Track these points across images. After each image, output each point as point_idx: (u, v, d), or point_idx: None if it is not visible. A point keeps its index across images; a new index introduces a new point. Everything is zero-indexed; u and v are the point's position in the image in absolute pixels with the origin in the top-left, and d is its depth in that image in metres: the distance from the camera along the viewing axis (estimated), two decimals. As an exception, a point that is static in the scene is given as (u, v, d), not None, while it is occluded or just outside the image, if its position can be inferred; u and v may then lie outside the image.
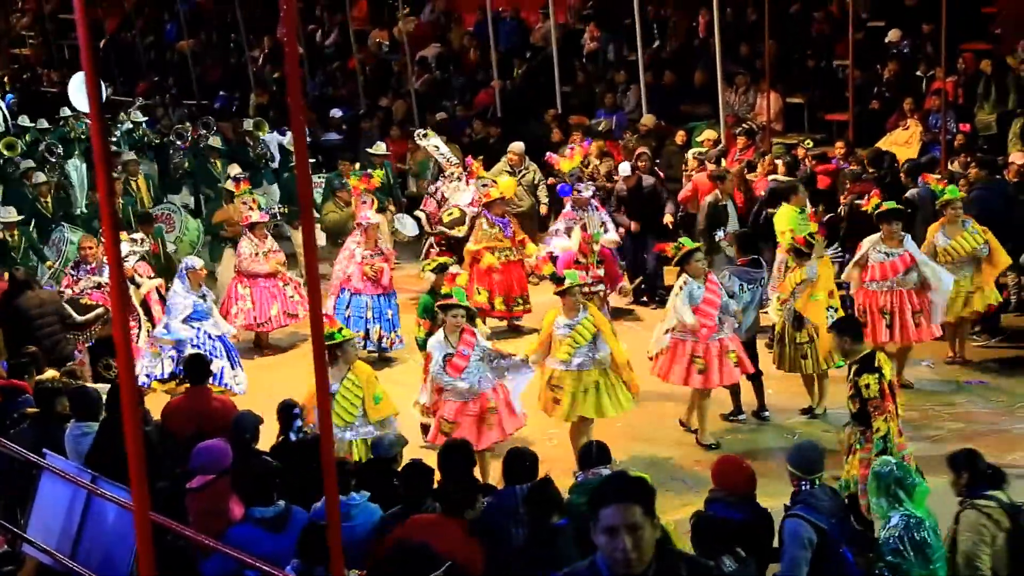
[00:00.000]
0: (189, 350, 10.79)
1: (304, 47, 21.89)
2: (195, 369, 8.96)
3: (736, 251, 11.36)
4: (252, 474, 6.90)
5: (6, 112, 21.58)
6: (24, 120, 20.29)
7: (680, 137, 16.05)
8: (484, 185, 13.86)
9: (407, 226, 15.39)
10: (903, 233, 11.11)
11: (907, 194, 12.82)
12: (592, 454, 7.23)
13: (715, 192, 13.31)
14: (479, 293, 13.04)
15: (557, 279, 10.21)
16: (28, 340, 10.51)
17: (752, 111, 17.05)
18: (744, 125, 15.77)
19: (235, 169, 15.84)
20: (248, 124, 18.31)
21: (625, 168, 14.21)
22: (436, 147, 14.85)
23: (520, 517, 6.72)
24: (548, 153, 15.12)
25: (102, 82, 19.67)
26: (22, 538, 7.28)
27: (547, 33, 19.37)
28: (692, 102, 17.75)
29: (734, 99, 17.22)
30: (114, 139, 18.50)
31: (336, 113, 19.77)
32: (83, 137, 18.88)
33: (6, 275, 11.94)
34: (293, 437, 8.16)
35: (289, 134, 19.35)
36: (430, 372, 9.61)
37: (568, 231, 12.98)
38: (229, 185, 14.71)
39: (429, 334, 10.18)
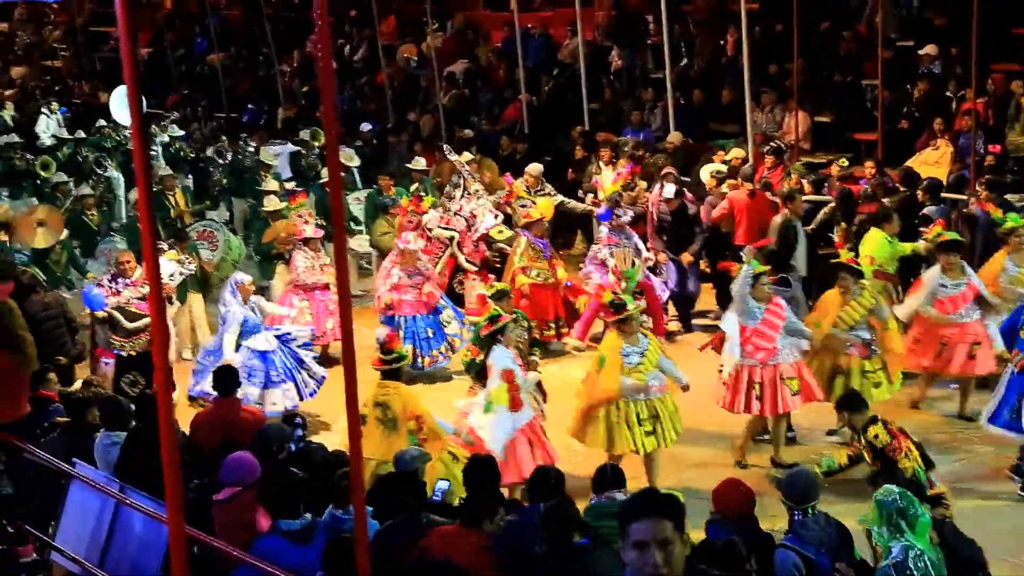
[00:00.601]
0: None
1: (333, 62, 22.01)
2: (223, 380, 8.99)
3: (768, 269, 11.18)
4: (279, 486, 6.92)
5: (60, 121, 21.60)
6: (63, 132, 20.38)
7: (719, 157, 15.94)
8: (523, 206, 13.73)
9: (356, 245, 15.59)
10: (962, 262, 10.94)
11: (924, 211, 12.79)
12: (607, 477, 7.18)
13: (785, 212, 12.90)
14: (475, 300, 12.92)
15: (617, 306, 9.84)
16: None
17: (780, 129, 17.03)
18: (772, 144, 15.73)
19: (272, 185, 15.74)
20: (305, 134, 18.39)
21: (670, 191, 13.86)
22: (461, 162, 14.76)
23: (541, 535, 6.71)
24: (594, 178, 15.12)
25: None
26: (51, 546, 7.33)
27: (575, 50, 19.40)
28: (719, 120, 17.75)
29: (762, 117, 17.20)
30: (152, 153, 18.60)
31: (365, 127, 19.82)
32: (120, 147, 18.99)
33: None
34: (293, 447, 8.24)
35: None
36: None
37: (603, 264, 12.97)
38: (271, 203, 14.59)
39: (474, 361, 9.86)
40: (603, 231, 13.37)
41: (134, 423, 8.10)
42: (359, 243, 15.71)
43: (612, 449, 9.57)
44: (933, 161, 14.90)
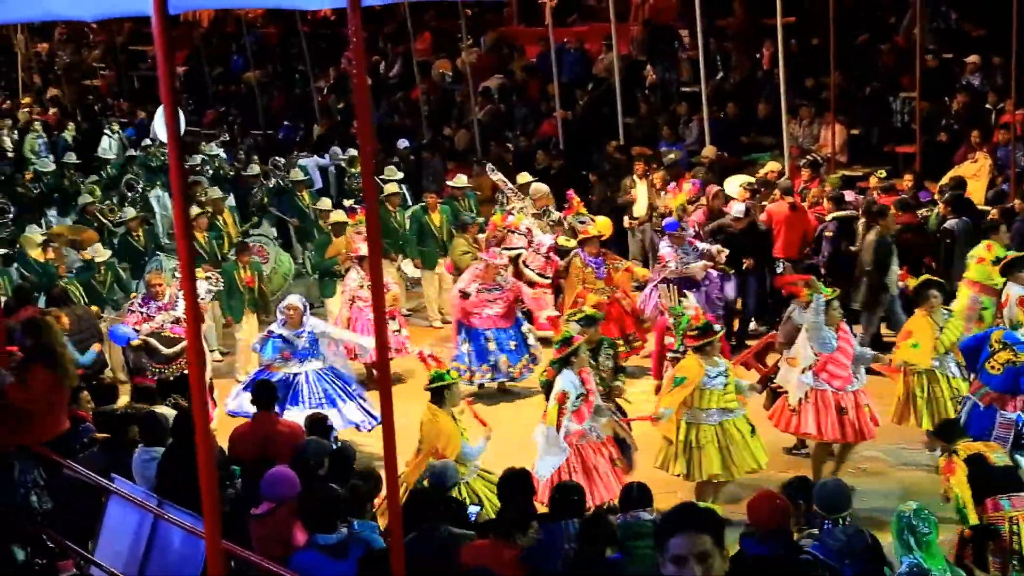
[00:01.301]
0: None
1: (368, 78, 22.13)
2: (262, 395, 9.02)
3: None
4: (316, 501, 6.93)
5: (124, 141, 21.85)
6: (105, 152, 20.62)
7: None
8: (582, 222, 13.54)
9: (411, 268, 15.46)
10: None
11: (945, 224, 12.70)
12: (633, 496, 7.16)
13: (878, 229, 12.62)
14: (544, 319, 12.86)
15: (704, 329, 9.72)
16: None
17: (816, 143, 16.95)
18: (808, 157, 15.66)
19: (326, 203, 15.75)
20: (341, 156, 18.63)
21: (740, 208, 13.77)
22: (504, 180, 14.62)
23: (568, 552, 6.68)
24: (630, 192, 15.20)
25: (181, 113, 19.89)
26: (90, 561, 7.37)
27: (609, 64, 19.40)
28: (755, 134, 17.70)
29: (798, 131, 17.13)
30: (196, 171, 18.72)
31: (403, 144, 19.77)
32: (166, 166, 19.13)
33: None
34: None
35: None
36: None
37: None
38: (335, 216, 14.56)
39: (550, 382, 9.59)
40: (664, 245, 13.12)
41: (171, 438, 8.13)
42: (408, 265, 15.61)
43: (700, 475, 9.44)
44: (971, 174, 14.77)
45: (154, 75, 26.72)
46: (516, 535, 6.61)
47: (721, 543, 3.84)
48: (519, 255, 14.18)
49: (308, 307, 11.64)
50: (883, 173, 14.63)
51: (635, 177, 16.10)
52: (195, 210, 14.89)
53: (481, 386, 12.79)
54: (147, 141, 20.11)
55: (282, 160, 18.93)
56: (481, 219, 15.13)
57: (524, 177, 15.37)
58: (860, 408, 9.82)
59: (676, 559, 3.80)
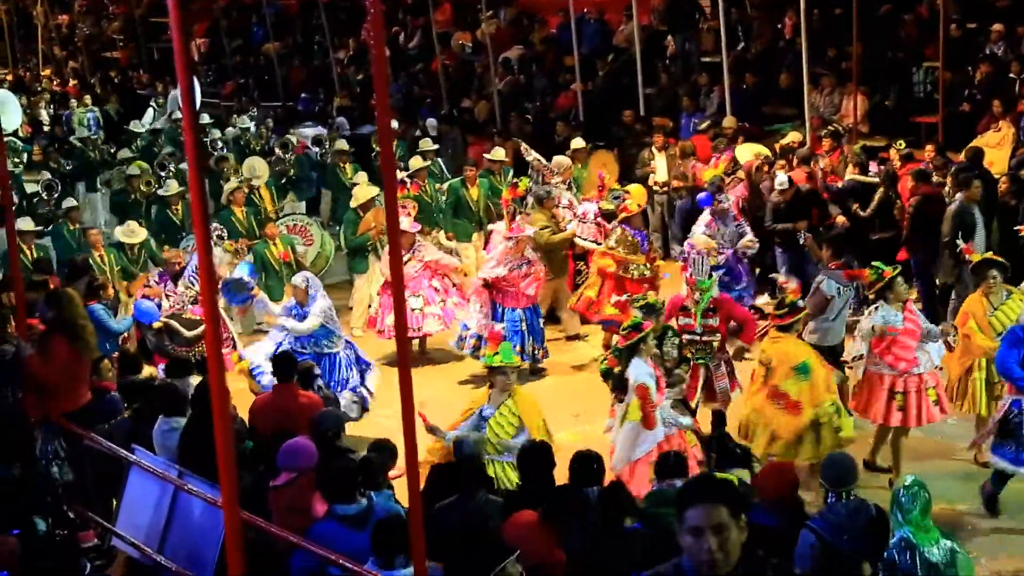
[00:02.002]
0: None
1: (387, 49, 22.06)
2: (282, 366, 9.04)
3: (828, 255, 11.04)
4: (335, 471, 6.95)
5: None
6: (136, 125, 20.36)
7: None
8: (616, 198, 13.10)
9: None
10: None
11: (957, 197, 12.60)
12: (669, 464, 7.18)
13: (960, 198, 12.27)
14: (608, 307, 12.21)
15: (792, 306, 9.46)
16: None
17: (837, 113, 16.83)
18: (830, 127, 15.56)
19: (362, 177, 15.50)
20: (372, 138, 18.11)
21: (783, 179, 13.52)
22: (539, 159, 14.07)
23: (589, 520, 6.70)
24: (692, 163, 14.84)
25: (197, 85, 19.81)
26: (111, 532, 7.43)
27: (630, 35, 19.29)
28: (776, 104, 17.58)
29: (819, 101, 17.01)
30: (221, 144, 18.62)
31: (432, 122, 19.41)
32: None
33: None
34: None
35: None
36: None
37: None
38: (363, 192, 14.14)
39: (611, 370, 9.26)
40: (702, 219, 12.89)
41: (192, 409, 8.17)
42: (442, 238, 15.11)
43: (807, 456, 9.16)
44: (995, 143, 14.63)
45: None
46: (564, 519, 6.59)
47: (738, 515, 3.85)
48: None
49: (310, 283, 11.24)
50: (902, 144, 14.52)
51: (654, 149, 16.00)
52: (232, 184, 14.70)
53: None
54: (178, 115, 19.90)
55: (293, 136, 18.84)
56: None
57: (578, 143, 14.98)
58: (922, 393, 9.44)
59: (693, 530, 3.81)
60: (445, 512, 6.84)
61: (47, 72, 30.05)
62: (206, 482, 6.93)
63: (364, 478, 7.01)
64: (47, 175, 17.07)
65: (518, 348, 11.63)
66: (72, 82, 28.55)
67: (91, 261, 12.92)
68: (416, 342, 12.75)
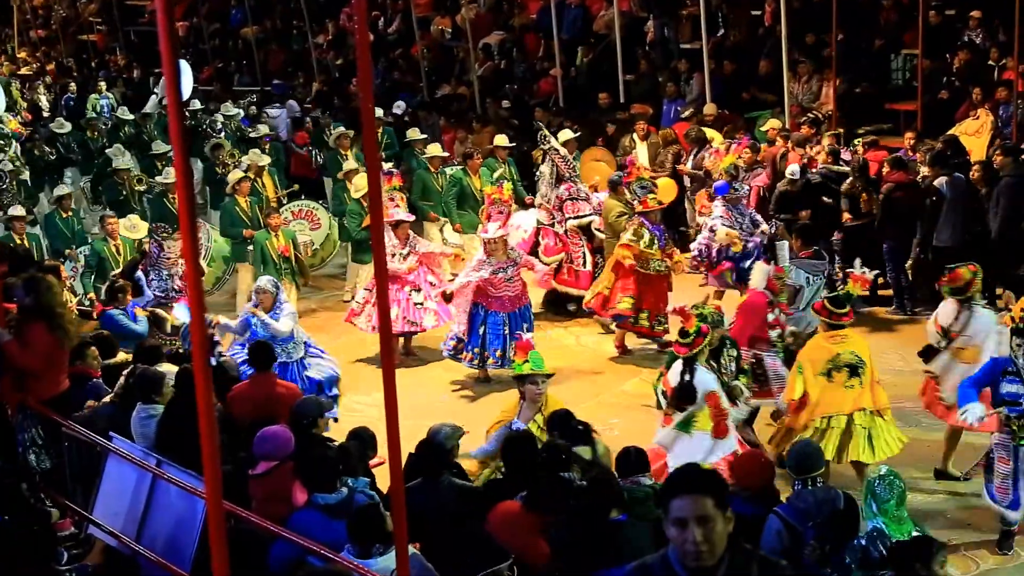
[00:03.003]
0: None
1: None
2: (259, 356, 8.99)
3: (799, 243, 11.04)
4: (316, 460, 6.92)
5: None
6: (124, 113, 19.84)
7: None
8: (643, 187, 12.55)
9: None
10: None
11: (935, 183, 12.65)
12: (631, 460, 7.05)
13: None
14: (621, 300, 12.02)
15: (847, 298, 9.09)
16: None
17: (816, 100, 16.85)
18: (809, 115, 15.59)
19: (351, 164, 14.91)
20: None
21: (795, 170, 13.34)
22: (556, 150, 13.54)
23: (573, 511, 6.68)
24: (632, 153, 14.58)
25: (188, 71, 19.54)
26: (88, 520, 7.38)
27: (610, 21, 19.27)
28: (756, 91, 17.59)
29: (798, 88, 17.02)
30: (221, 126, 18.50)
31: (400, 105, 19.44)
32: (186, 127, 18.76)
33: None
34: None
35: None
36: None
37: (711, 230, 12.58)
38: (362, 182, 13.63)
39: (664, 392, 8.79)
40: (716, 206, 12.77)
41: (173, 395, 8.10)
42: (450, 232, 14.83)
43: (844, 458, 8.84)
44: (973, 131, 14.68)
45: (151, 30, 26.55)
46: (547, 511, 6.57)
47: (724, 506, 3.84)
48: (591, 221, 13.24)
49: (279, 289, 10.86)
50: (862, 131, 14.55)
51: (635, 137, 15.88)
52: (238, 174, 14.28)
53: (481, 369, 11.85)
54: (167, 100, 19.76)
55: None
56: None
57: (566, 134, 14.51)
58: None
59: (677, 521, 3.80)
60: (411, 496, 6.79)
61: (23, 54, 29.79)
62: (184, 470, 6.89)
63: (342, 466, 6.99)
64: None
65: (498, 353, 11.49)
66: (49, 66, 28.30)
67: (105, 250, 12.72)
68: (400, 340, 12.45)
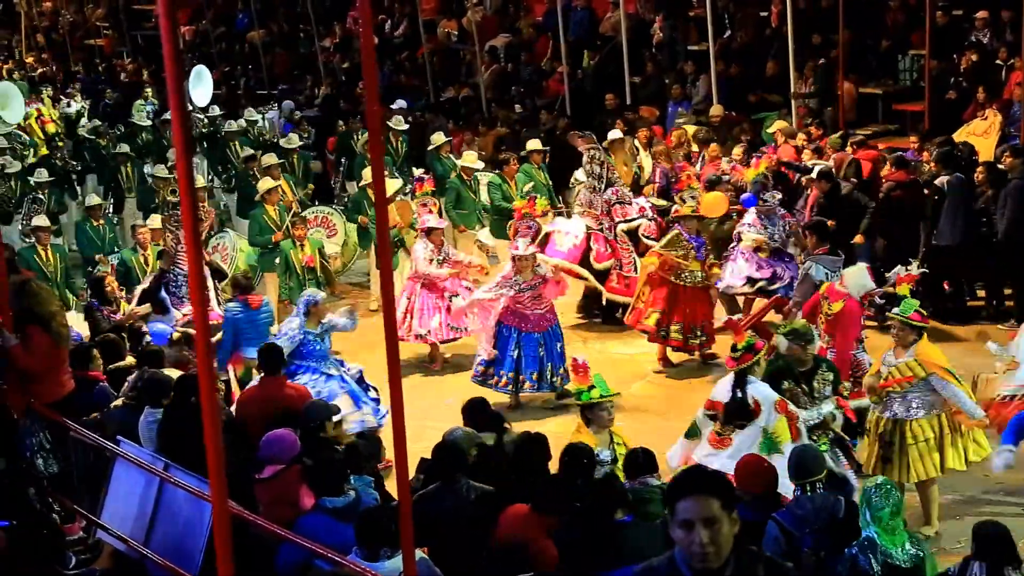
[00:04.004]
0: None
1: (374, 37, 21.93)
2: (269, 359, 8.99)
3: (813, 241, 10.94)
4: (323, 464, 6.92)
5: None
6: (142, 119, 19.36)
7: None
8: (693, 197, 12.21)
9: (490, 236, 14.38)
10: None
11: (936, 181, 12.63)
12: (639, 461, 7.02)
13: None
14: (648, 316, 11.66)
15: (893, 299, 8.83)
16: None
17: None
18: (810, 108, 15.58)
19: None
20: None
21: (819, 169, 13.01)
22: (595, 148, 13.14)
23: (580, 512, 6.68)
24: (731, 162, 14.06)
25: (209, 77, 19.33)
26: (96, 524, 7.38)
27: (616, 23, 19.25)
28: (762, 92, 17.58)
29: (806, 89, 16.99)
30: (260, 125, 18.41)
31: (400, 104, 19.35)
32: (204, 133, 18.56)
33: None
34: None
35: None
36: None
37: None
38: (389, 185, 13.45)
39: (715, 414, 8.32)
40: (749, 214, 12.30)
41: (172, 398, 8.10)
42: (488, 235, 14.41)
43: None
44: (981, 131, 14.64)
45: (158, 34, 26.57)
46: (557, 512, 6.56)
47: (730, 507, 3.83)
48: (639, 226, 12.80)
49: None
50: (836, 139, 14.40)
51: (638, 144, 15.09)
52: (268, 183, 13.95)
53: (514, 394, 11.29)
54: (188, 107, 19.29)
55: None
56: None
57: (614, 134, 14.31)
58: None
59: (684, 523, 3.79)
60: (430, 500, 6.80)
61: (30, 59, 29.84)
62: (192, 474, 6.89)
63: (350, 466, 7.00)
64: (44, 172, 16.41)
65: (534, 376, 11.04)
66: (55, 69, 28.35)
67: (133, 260, 12.63)
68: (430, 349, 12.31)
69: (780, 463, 7.36)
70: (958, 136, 14.48)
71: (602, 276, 12.72)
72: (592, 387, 7.92)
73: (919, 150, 13.98)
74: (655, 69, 19.01)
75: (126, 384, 8.67)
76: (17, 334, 8.08)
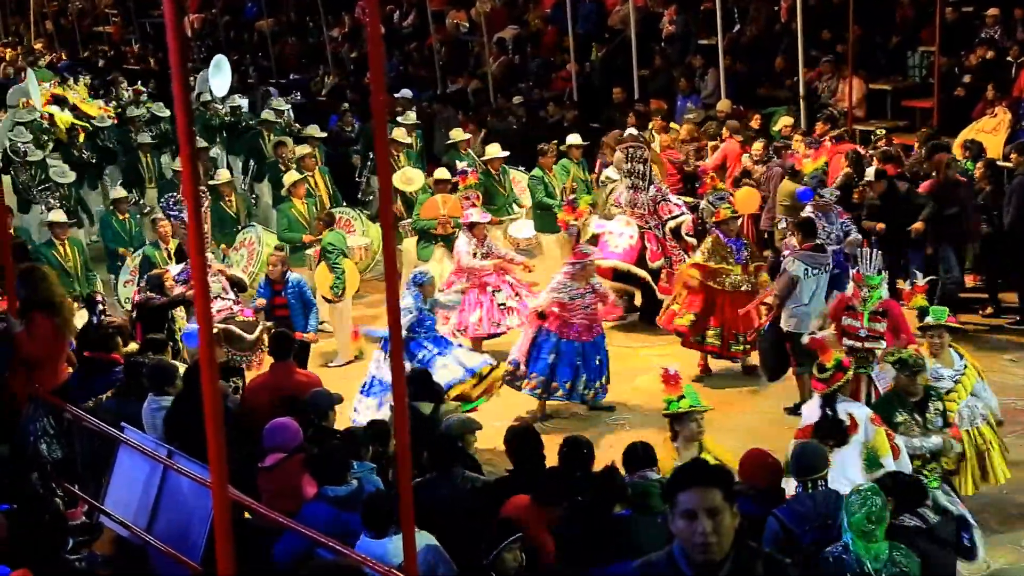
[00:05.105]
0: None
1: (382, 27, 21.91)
2: (279, 345, 8.98)
3: (799, 237, 10.75)
4: (326, 453, 6.92)
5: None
6: (160, 109, 19.12)
7: (756, 121, 15.77)
8: (720, 198, 11.78)
9: (522, 229, 14.09)
10: None
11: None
12: (638, 455, 6.97)
13: None
14: (682, 316, 11.32)
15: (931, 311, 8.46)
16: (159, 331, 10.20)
17: (833, 97, 16.79)
18: (825, 111, 15.50)
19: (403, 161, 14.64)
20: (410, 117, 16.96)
21: (871, 172, 12.50)
22: (632, 153, 12.69)
23: (579, 505, 6.67)
24: (791, 153, 13.69)
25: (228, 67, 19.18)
26: (99, 510, 7.39)
27: (625, 16, 19.22)
28: (771, 87, 17.54)
29: (819, 87, 16.92)
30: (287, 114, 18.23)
31: (407, 93, 19.33)
32: (226, 123, 18.46)
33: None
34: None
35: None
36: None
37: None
38: (410, 174, 13.46)
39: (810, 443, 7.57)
40: (806, 213, 11.70)
41: (182, 386, 8.10)
42: (519, 228, 14.14)
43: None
44: (990, 129, 14.58)
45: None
46: (557, 503, 6.57)
47: (732, 499, 3.83)
48: (683, 223, 12.49)
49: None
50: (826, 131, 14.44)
51: (653, 132, 15.26)
52: (294, 176, 13.88)
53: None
54: (207, 97, 19.04)
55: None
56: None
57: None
58: None
59: (686, 513, 3.78)
60: (424, 489, 6.80)
61: (39, 46, 29.86)
62: (196, 461, 6.89)
63: (349, 452, 7.02)
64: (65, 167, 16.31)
65: (567, 385, 10.63)
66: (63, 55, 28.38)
67: (156, 256, 12.18)
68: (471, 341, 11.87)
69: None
70: (967, 133, 14.45)
71: (654, 276, 12.44)
72: (682, 397, 7.66)
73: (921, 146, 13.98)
74: (664, 62, 18.97)
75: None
76: (22, 320, 8.10)
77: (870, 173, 12.66)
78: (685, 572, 3.81)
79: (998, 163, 13.08)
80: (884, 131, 14.64)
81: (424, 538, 6.00)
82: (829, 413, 7.61)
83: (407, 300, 10.22)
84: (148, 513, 7.11)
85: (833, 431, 7.56)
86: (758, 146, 14.39)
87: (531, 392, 10.75)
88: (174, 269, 11.06)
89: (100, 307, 10.23)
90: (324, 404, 7.93)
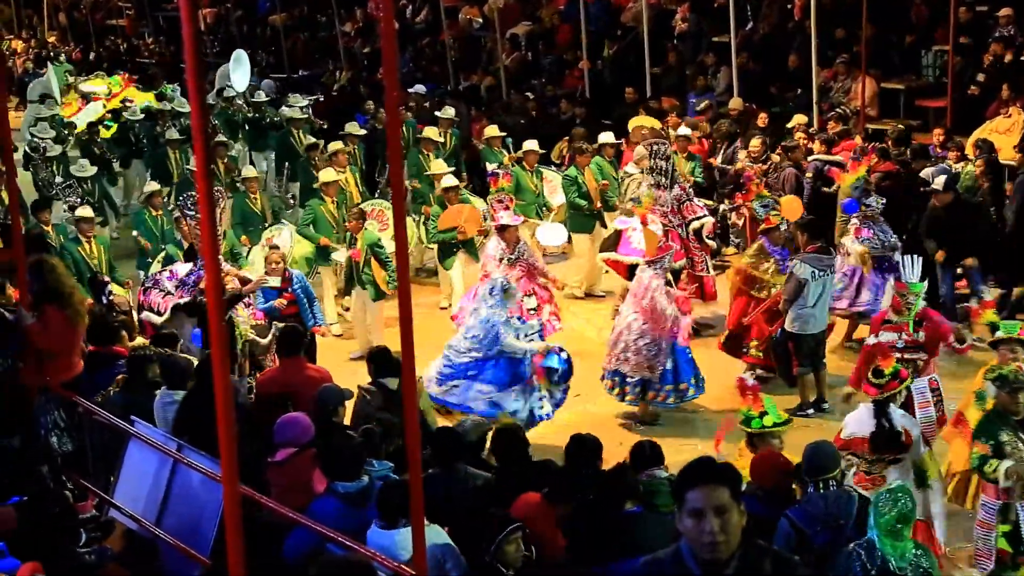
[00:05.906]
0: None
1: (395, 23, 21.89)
2: (288, 341, 8.98)
3: (805, 238, 10.76)
4: (339, 449, 6.92)
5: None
6: (182, 104, 19.02)
7: (763, 119, 15.69)
8: (764, 206, 11.63)
9: (552, 236, 13.88)
10: None
11: (922, 173, 12.61)
12: (646, 454, 6.95)
13: None
14: (752, 347, 11.12)
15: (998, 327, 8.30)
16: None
17: (847, 96, 16.75)
18: (836, 110, 15.47)
19: (439, 165, 14.27)
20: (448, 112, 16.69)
21: (940, 182, 12.03)
22: (669, 145, 12.65)
23: (589, 502, 6.68)
24: (830, 168, 13.37)
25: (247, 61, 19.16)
26: (108, 503, 7.41)
27: (638, 13, 19.19)
28: (783, 86, 17.50)
29: (833, 86, 16.87)
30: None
31: (420, 88, 19.29)
32: (249, 118, 18.40)
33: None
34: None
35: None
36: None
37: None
38: (446, 181, 13.28)
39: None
40: (853, 223, 11.67)
41: (194, 381, 8.12)
42: (548, 234, 13.97)
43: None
44: (1004, 129, 14.53)
45: (180, 15, 26.61)
46: (568, 501, 6.58)
47: (739, 497, 3.83)
48: (704, 224, 12.37)
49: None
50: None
51: (670, 129, 15.13)
52: (331, 174, 13.64)
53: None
54: (230, 92, 18.87)
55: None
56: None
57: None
58: None
59: (694, 512, 3.79)
60: (426, 484, 6.80)
61: (52, 39, 29.98)
62: (206, 456, 6.90)
63: (366, 450, 7.01)
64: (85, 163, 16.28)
65: (693, 380, 10.53)
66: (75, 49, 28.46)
67: (179, 255, 11.90)
68: None
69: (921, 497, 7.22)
70: (980, 133, 14.43)
71: (675, 276, 12.01)
72: (764, 413, 7.45)
73: (942, 146, 13.93)
74: (676, 60, 18.94)
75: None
76: (34, 313, 8.12)
77: (939, 182, 12.07)
78: (692, 570, 3.82)
79: (999, 160, 13.04)
80: (901, 127, 14.58)
81: (434, 532, 6.01)
82: (886, 424, 7.47)
83: (483, 311, 10.09)
84: (158, 507, 7.12)
85: (891, 443, 7.48)
86: (756, 143, 14.30)
87: (668, 405, 10.61)
88: (181, 269, 10.91)
89: (108, 289, 10.25)
90: (333, 399, 7.93)
